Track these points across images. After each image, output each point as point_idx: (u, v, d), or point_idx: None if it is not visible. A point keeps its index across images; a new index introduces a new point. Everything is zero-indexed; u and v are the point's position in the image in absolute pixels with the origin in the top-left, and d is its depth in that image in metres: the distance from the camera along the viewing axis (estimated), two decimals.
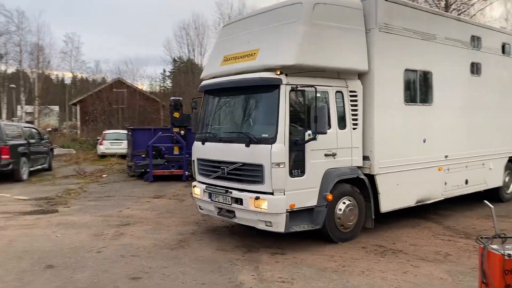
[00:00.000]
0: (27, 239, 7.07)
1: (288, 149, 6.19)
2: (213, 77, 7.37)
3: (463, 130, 8.68)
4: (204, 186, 7.22)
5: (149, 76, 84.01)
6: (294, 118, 6.34)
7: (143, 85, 43.82)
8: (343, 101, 6.87)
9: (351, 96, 6.95)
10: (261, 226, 6.39)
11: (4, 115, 47.11)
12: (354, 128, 6.95)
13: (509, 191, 10.23)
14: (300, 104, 6.39)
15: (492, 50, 9.39)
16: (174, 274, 5.47)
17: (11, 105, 48.72)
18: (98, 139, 24.29)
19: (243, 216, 6.57)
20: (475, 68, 8.97)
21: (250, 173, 6.41)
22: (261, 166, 6.24)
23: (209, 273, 5.50)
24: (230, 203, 6.67)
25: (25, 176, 14.25)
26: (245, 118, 7.02)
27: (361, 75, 7.11)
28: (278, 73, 6.23)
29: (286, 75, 6.24)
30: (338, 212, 6.73)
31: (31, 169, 14.93)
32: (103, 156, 22.25)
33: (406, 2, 7.82)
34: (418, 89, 7.85)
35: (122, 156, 20.08)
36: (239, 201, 6.50)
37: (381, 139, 7.14)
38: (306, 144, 6.31)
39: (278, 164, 6.12)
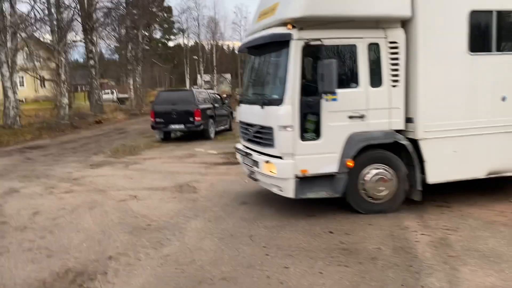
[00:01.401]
0: (223, 183, 8.72)
1: (299, 111, 5.73)
2: (250, 35, 6.99)
3: None
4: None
5: None
6: (310, 77, 5.79)
7: None
8: (380, 55, 6.00)
9: (391, 48, 6.02)
10: (275, 190, 6.20)
11: (187, 84, 54.00)
12: (394, 86, 6.05)
13: None
14: (317, 61, 5.75)
15: None
16: (346, 214, 6.27)
17: (193, 74, 55.45)
18: None
19: (262, 179, 6.45)
20: None
21: (266, 136, 6.13)
22: (271, 129, 5.93)
23: (375, 217, 6.13)
24: (252, 165, 6.59)
25: (212, 135, 16.56)
26: (265, 78, 6.74)
27: (405, 23, 6.07)
28: (290, 27, 5.69)
29: (302, 29, 5.69)
30: (364, 181, 6.08)
31: (216, 129, 17.30)
32: None
33: None
34: (495, 34, 6.28)
35: None
36: (257, 164, 6.36)
37: (430, 98, 6.08)
38: (323, 105, 5.77)
39: (285, 127, 5.73)
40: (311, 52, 5.77)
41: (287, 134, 5.77)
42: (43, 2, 23.29)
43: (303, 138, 5.85)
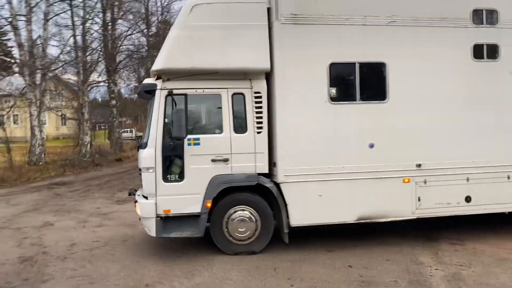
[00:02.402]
0: None
1: (161, 154, 6.17)
2: None
3: (459, 132, 6.80)
4: None
5: None
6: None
7: None
8: (245, 104, 6.47)
9: (256, 97, 6.48)
10: (146, 230, 6.48)
11: None
12: (258, 132, 6.46)
13: None
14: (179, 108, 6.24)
15: None
16: (364, 249, 6.66)
17: None
18: None
19: (141, 219, 6.69)
20: (484, 51, 6.87)
21: (140, 177, 6.59)
22: (140, 170, 6.49)
23: (392, 253, 6.51)
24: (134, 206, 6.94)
25: None
26: (147, 123, 7.10)
27: (268, 75, 6.54)
28: (155, 78, 6.42)
29: (169, 79, 6.28)
30: (227, 222, 6.40)
31: None
32: None
33: None
34: (358, 84, 6.58)
35: None
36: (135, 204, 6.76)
37: (288, 144, 6.40)
38: (186, 149, 6.20)
39: (147, 169, 6.20)
40: (175, 101, 6.28)
41: (149, 175, 6.22)
42: (71, 46, 24.73)
43: (166, 179, 6.26)
